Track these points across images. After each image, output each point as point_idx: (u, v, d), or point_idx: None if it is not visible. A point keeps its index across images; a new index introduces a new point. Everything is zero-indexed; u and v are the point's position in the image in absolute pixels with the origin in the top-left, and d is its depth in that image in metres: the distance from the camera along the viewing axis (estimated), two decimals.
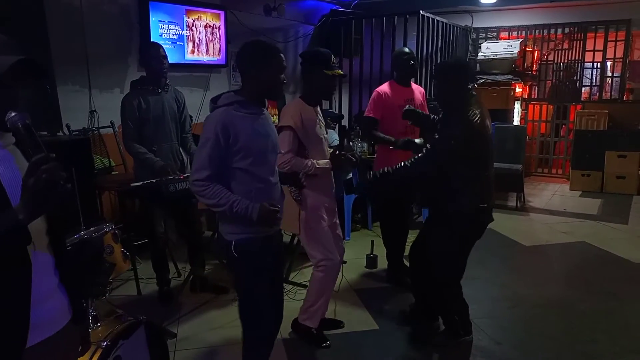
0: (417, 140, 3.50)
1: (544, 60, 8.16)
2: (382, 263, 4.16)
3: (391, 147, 3.55)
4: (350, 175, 4.89)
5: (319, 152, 2.88)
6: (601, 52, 7.54)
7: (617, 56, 7.54)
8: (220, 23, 5.51)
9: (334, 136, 4.69)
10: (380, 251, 4.15)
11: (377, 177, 2.89)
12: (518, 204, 6.22)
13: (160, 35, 4.85)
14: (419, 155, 2.78)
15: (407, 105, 3.32)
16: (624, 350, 3.00)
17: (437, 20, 6.32)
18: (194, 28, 5.23)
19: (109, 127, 4.39)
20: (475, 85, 7.03)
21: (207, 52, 5.44)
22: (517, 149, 6.44)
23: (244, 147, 2.08)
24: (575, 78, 7.90)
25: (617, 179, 6.83)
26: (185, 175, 3.30)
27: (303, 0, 6.88)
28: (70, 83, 4.25)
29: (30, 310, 1.27)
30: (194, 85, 5.42)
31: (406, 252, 3.97)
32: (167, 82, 3.51)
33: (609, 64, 7.91)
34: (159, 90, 3.43)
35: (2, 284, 1.22)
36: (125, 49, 4.73)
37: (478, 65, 7.46)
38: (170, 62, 3.54)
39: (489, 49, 7.32)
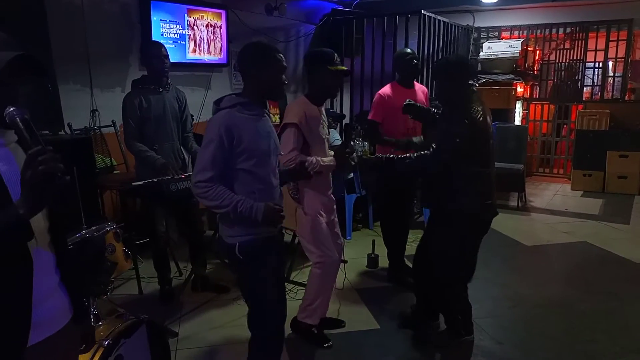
0: (415, 139, 3.51)
1: (545, 60, 8.15)
2: (383, 262, 4.16)
3: (393, 150, 3.55)
4: (352, 175, 4.89)
5: (320, 151, 2.88)
6: (603, 52, 7.52)
7: (618, 56, 7.52)
8: (221, 22, 5.51)
9: (335, 136, 4.69)
10: (382, 251, 4.15)
11: (382, 161, 2.89)
12: (519, 204, 6.22)
13: (162, 35, 4.85)
14: (425, 152, 2.78)
15: (407, 100, 3.31)
16: (625, 350, 3.00)
17: (439, 20, 6.31)
18: (195, 27, 5.23)
19: (110, 126, 4.40)
20: (477, 84, 7.02)
21: (209, 52, 5.44)
22: (518, 148, 6.44)
23: (248, 148, 2.09)
24: (576, 78, 7.89)
25: (618, 179, 6.82)
26: (187, 174, 3.31)
27: (304, 0, 6.88)
28: (72, 82, 4.26)
29: (32, 309, 1.27)
30: (195, 85, 5.43)
31: (407, 252, 3.99)
32: (169, 81, 3.51)
33: (610, 63, 7.89)
34: (160, 90, 3.44)
35: (4, 282, 1.23)
36: (127, 48, 4.73)
37: (479, 64, 7.45)
38: (171, 61, 3.55)
39: (491, 49, 7.31)
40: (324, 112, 2.99)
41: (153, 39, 4.62)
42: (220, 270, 4.07)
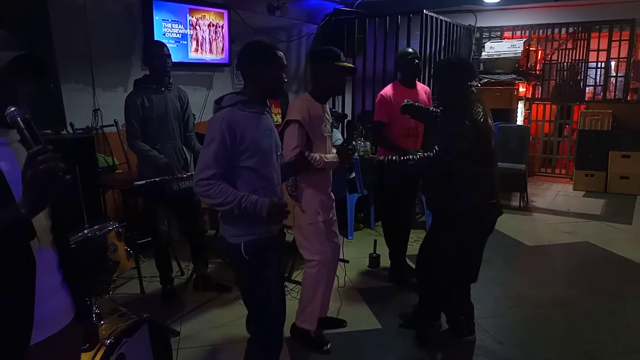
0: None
1: (547, 60, 8.14)
2: (385, 262, 4.16)
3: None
4: (354, 174, 4.90)
5: (323, 149, 2.86)
6: (605, 52, 7.51)
7: (621, 56, 7.51)
8: (223, 22, 5.52)
9: (337, 136, 4.69)
10: (383, 250, 4.15)
11: (383, 162, 2.88)
12: (521, 204, 6.21)
13: (164, 34, 4.86)
14: (428, 154, 2.77)
15: (405, 100, 3.31)
16: (626, 351, 2.99)
17: (441, 20, 6.31)
18: (197, 27, 5.23)
19: (112, 125, 4.40)
20: (479, 84, 7.02)
21: (211, 51, 5.44)
22: (520, 148, 6.43)
23: (251, 145, 2.08)
24: (579, 78, 7.88)
25: (620, 179, 6.81)
26: (189, 173, 3.31)
27: (306, 0, 6.88)
28: (74, 82, 4.26)
29: (34, 307, 1.27)
30: (197, 84, 5.43)
31: (409, 252, 3.99)
32: (171, 80, 3.52)
33: (613, 63, 7.87)
34: (162, 89, 3.44)
35: (7, 281, 1.23)
36: (129, 47, 4.74)
37: (481, 64, 7.44)
38: (173, 61, 3.55)
39: (493, 49, 7.30)
40: (327, 109, 2.98)
41: (155, 39, 4.63)
42: (222, 269, 4.08)
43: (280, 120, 5.46)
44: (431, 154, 2.74)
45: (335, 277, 3.24)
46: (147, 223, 3.68)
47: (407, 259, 3.99)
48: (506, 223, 5.23)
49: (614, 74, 8.09)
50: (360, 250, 4.57)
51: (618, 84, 7.95)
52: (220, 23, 5.49)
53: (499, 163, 2.93)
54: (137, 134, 3.37)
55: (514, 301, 3.65)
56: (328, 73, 2.82)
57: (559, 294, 3.78)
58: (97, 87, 4.43)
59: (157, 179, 3.16)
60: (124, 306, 2.77)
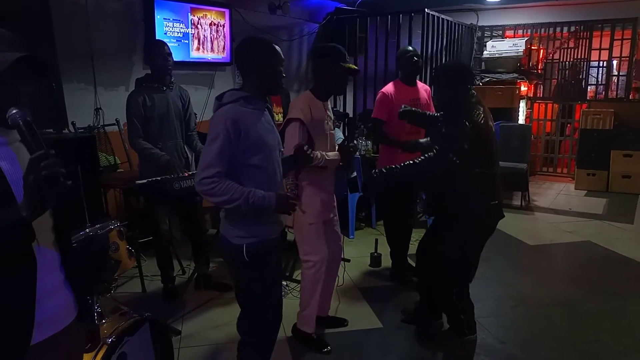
0: (422, 141, 3.49)
1: (549, 59, 8.13)
2: (386, 261, 4.17)
3: (400, 151, 3.54)
4: (355, 174, 4.89)
5: (324, 147, 2.84)
6: (607, 51, 7.50)
7: (623, 55, 7.50)
8: (225, 21, 5.52)
9: (339, 134, 4.69)
10: (384, 250, 4.15)
11: (383, 172, 2.87)
12: (523, 203, 6.21)
13: (165, 33, 4.86)
14: (428, 155, 2.75)
15: (402, 106, 3.31)
16: (628, 350, 2.99)
17: (442, 19, 6.30)
18: (198, 26, 5.23)
19: (114, 124, 4.41)
20: (480, 84, 7.01)
21: (212, 50, 5.44)
22: (522, 147, 6.42)
23: (255, 142, 2.05)
24: (580, 77, 7.86)
25: (622, 178, 6.80)
26: (190, 172, 3.31)
27: None
28: (76, 81, 4.27)
29: (35, 307, 1.27)
30: (199, 83, 5.43)
31: (410, 251, 3.99)
32: (172, 79, 3.52)
33: (615, 62, 7.86)
34: (164, 88, 3.44)
35: (7, 281, 1.23)
36: (130, 46, 4.74)
37: (483, 63, 7.43)
38: (175, 60, 3.55)
39: (494, 48, 7.30)
40: (329, 107, 2.96)
41: (156, 38, 4.63)
42: (223, 268, 4.07)
43: (281, 119, 5.46)
44: (431, 154, 2.73)
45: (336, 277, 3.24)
46: (148, 222, 3.68)
47: (408, 258, 3.99)
48: (507, 222, 5.17)
49: (616, 73, 8.07)
50: (361, 249, 4.57)
51: (620, 83, 7.93)
52: (222, 22, 5.49)
53: (500, 162, 2.92)
54: (138, 132, 3.37)
55: (516, 300, 3.65)
56: (331, 71, 2.79)
57: (560, 293, 3.78)
58: (98, 86, 4.43)
59: (159, 178, 3.16)
60: (126, 305, 2.78)
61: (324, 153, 2.77)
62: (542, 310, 3.51)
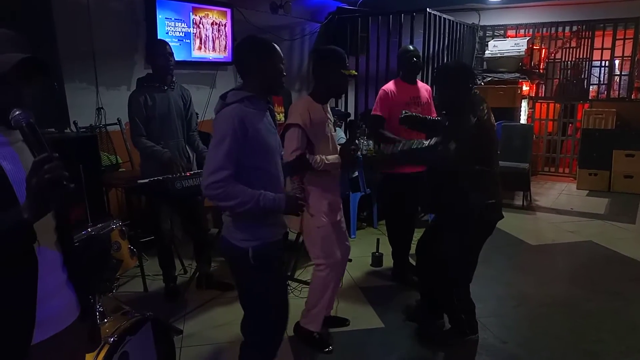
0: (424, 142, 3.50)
1: (551, 59, 8.12)
2: (388, 261, 4.16)
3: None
4: (357, 173, 4.89)
5: (325, 150, 2.84)
6: (609, 51, 7.49)
7: (625, 54, 7.48)
8: (226, 20, 5.52)
9: (340, 134, 4.68)
10: (386, 249, 4.15)
11: (397, 151, 2.86)
12: (524, 203, 6.20)
13: (167, 33, 4.86)
14: (438, 146, 2.72)
15: (403, 112, 3.31)
16: (630, 350, 2.99)
17: (444, 18, 6.29)
18: (200, 25, 5.24)
19: (115, 124, 4.41)
20: (482, 83, 7.00)
21: (214, 50, 5.44)
22: (523, 147, 6.41)
23: (262, 143, 2.03)
24: (582, 76, 7.86)
25: (624, 178, 6.79)
26: (192, 172, 3.32)
27: None
28: (78, 80, 4.27)
29: (37, 307, 1.27)
30: (200, 83, 5.43)
31: (412, 251, 3.98)
32: (174, 79, 3.52)
33: (617, 62, 7.85)
34: (165, 88, 3.44)
35: (8, 281, 1.23)
36: (132, 46, 4.75)
37: (485, 63, 7.43)
38: (176, 59, 3.55)
39: (496, 47, 7.29)
40: (329, 109, 2.96)
41: (158, 37, 4.63)
42: (225, 268, 4.06)
43: (283, 119, 5.46)
44: (437, 142, 2.71)
45: None
46: (150, 221, 3.69)
47: (410, 257, 3.99)
48: (509, 222, 5.21)
49: (618, 73, 8.07)
50: (363, 249, 4.57)
51: (622, 83, 7.92)
52: (223, 22, 5.49)
53: (501, 162, 2.92)
54: (140, 131, 3.37)
55: (517, 300, 3.64)
56: (331, 75, 2.80)
57: (562, 293, 3.77)
58: (100, 85, 4.43)
59: (161, 178, 3.17)
60: (127, 304, 2.79)
61: (323, 157, 2.77)
62: (543, 310, 3.50)
